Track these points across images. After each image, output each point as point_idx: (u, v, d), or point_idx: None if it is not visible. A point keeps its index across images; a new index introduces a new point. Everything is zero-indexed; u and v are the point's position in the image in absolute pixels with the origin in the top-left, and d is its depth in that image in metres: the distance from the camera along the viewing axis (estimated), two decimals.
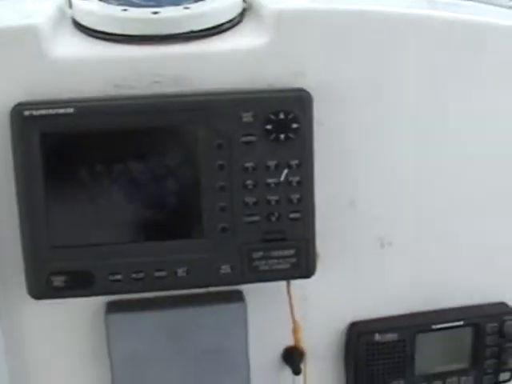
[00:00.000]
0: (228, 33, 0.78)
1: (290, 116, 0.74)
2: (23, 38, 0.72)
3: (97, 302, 0.80)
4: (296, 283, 0.81)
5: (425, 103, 0.81)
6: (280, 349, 0.86)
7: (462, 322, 0.86)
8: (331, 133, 0.78)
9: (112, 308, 0.79)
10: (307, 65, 0.77)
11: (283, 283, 0.81)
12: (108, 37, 0.76)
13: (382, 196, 0.83)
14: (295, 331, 0.84)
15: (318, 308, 0.84)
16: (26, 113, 0.71)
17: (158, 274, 0.75)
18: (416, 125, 0.81)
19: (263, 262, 0.77)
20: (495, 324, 0.87)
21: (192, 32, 0.76)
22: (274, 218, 0.76)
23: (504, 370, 0.89)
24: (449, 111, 0.81)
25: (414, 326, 0.85)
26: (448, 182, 0.84)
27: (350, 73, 0.78)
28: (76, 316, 0.81)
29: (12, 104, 0.72)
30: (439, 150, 0.83)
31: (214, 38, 0.77)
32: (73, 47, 0.75)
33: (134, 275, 0.75)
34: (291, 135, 0.75)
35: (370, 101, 0.79)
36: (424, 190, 0.83)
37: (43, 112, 0.71)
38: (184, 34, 0.76)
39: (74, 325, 0.81)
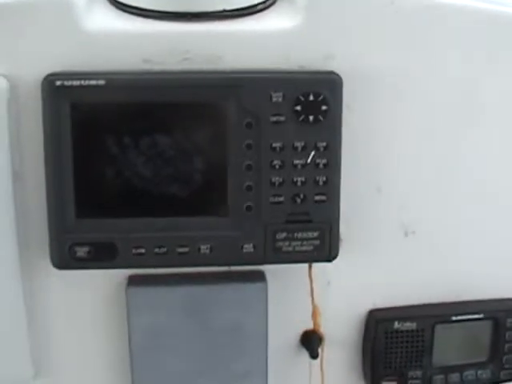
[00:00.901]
0: (261, 14, 0.78)
1: (320, 98, 0.74)
2: (58, 11, 0.73)
3: (119, 275, 0.81)
4: (319, 267, 0.81)
5: (455, 92, 0.80)
6: (299, 332, 0.86)
7: (481, 315, 0.86)
8: (360, 117, 0.78)
9: (133, 281, 0.80)
10: (338, 48, 0.76)
11: (306, 266, 0.82)
12: (141, 12, 0.76)
13: (408, 184, 0.82)
14: (315, 315, 0.84)
15: (339, 293, 0.84)
16: (58, 83, 0.72)
17: (180, 249, 0.76)
18: (445, 113, 0.81)
19: (286, 243, 0.77)
20: None
21: (225, 11, 0.76)
22: (299, 200, 0.76)
23: None
24: (479, 99, 0.81)
25: (433, 316, 0.85)
26: (475, 171, 0.84)
27: (381, 58, 0.78)
28: (98, 288, 0.81)
29: (44, 74, 0.72)
30: (468, 138, 0.82)
31: (247, 18, 0.77)
32: (106, 21, 0.75)
33: (156, 249, 0.75)
34: (320, 117, 0.75)
35: (399, 88, 0.79)
36: (450, 178, 0.83)
37: (74, 83, 0.72)
38: (217, 12, 0.76)
39: (95, 297, 0.82)
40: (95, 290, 0.81)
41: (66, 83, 0.72)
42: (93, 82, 0.72)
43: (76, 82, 0.72)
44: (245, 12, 0.77)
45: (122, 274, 0.81)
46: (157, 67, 0.75)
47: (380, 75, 0.78)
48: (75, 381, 0.85)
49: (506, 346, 0.87)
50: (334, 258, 0.78)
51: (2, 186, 0.75)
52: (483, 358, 0.88)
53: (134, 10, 0.76)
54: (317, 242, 0.77)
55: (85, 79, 0.72)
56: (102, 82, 0.72)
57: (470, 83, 0.80)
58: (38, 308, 0.81)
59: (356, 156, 0.79)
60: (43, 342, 0.82)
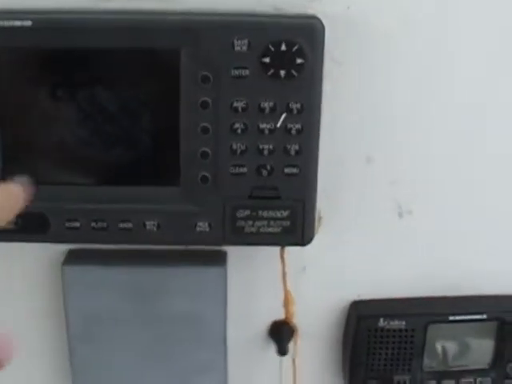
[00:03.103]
0: None
1: (295, 48, 0.60)
2: None
3: (56, 249, 0.69)
4: (293, 249, 0.68)
5: (461, 44, 0.66)
6: (267, 322, 0.74)
7: (484, 316, 0.72)
8: (347, 72, 0.64)
9: (71, 258, 0.68)
10: None
11: (277, 248, 0.69)
12: None
13: (404, 154, 0.68)
14: (286, 304, 0.72)
15: (316, 280, 0.72)
16: None
17: (122, 225, 0.64)
18: (448, 67, 0.67)
19: (249, 222, 0.64)
20: None
21: None
22: (265, 172, 0.63)
23: None
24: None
25: (426, 314, 0.71)
26: (482, 147, 0.69)
27: (379, 4, 0.63)
28: (31, 264, 0.70)
29: None
30: (472, 111, 0.68)
31: None
32: None
33: (94, 224, 0.63)
34: (294, 72, 0.60)
35: (396, 36, 0.64)
36: (454, 149, 0.68)
37: None
38: None
39: (28, 274, 0.71)
40: (27, 265, 0.70)
41: None
42: (17, 23, 0.59)
43: None
44: None
45: (59, 247, 0.69)
46: (97, 4, 0.62)
47: (374, 20, 0.63)
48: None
49: None
50: (308, 242, 0.65)
51: None
52: (484, 365, 0.74)
53: None
54: (286, 223, 0.64)
55: (8, 19, 0.59)
56: (28, 23, 0.59)
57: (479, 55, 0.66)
58: None
59: (341, 118, 0.65)
60: None
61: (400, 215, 0.70)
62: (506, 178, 0.70)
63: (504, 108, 0.68)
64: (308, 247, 0.66)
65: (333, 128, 0.65)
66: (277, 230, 0.65)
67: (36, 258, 0.70)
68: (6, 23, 0.59)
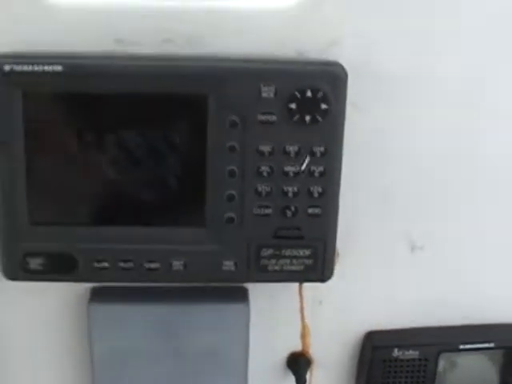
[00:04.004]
0: None
1: (319, 95, 0.62)
2: None
3: (81, 287, 0.71)
4: (311, 284, 0.70)
5: (472, 92, 0.69)
6: (285, 354, 0.76)
7: (492, 344, 0.75)
8: (366, 118, 0.67)
9: (96, 296, 0.69)
10: (345, 33, 0.65)
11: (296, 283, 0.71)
12: None
13: (418, 193, 0.71)
14: (304, 336, 0.74)
15: (332, 313, 0.74)
16: (7, 67, 0.60)
17: (149, 265, 0.65)
18: (460, 115, 0.69)
19: (273, 261, 0.66)
20: None
21: None
22: (289, 213, 0.65)
23: None
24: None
25: (438, 343, 0.74)
26: (491, 184, 0.72)
27: (396, 49, 0.66)
28: (57, 301, 0.71)
29: None
30: (482, 150, 0.71)
31: None
32: None
33: (121, 264, 0.65)
34: (318, 117, 0.63)
35: (412, 84, 0.67)
36: (465, 188, 0.72)
37: (26, 68, 0.60)
38: None
39: (53, 310, 0.72)
40: (53, 302, 0.71)
41: (17, 68, 0.60)
42: (48, 68, 0.60)
43: (28, 68, 0.60)
44: None
45: (85, 285, 0.70)
46: (130, 48, 0.63)
47: (392, 69, 0.66)
48: None
49: None
50: (328, 278, 0.68)
51: None
52: None
53: None
54: (309, 261, 0.67)
55: (39, 64, 0.60)
56: (58, 68, 0.60)
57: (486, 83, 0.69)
58: None
59: (360, 161, 0.68)
60: None
61: (412, 250, 0.73)
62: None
63: None
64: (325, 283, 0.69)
65: (351, 168, 0.67)
66: (299, 267, 0.67)
67: (61, 295, 0.71)
68: (37, 68, 0.61)
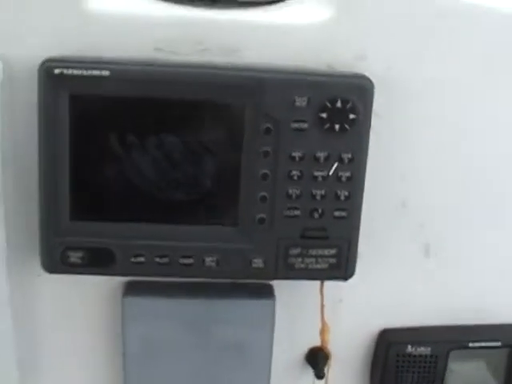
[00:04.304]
0: (287, 3, 0.70)
1: (349, 105, 0.67)
2: None
3: (115, 281, 0.74)
4: (331, 283, 0.74)
5: (488, 107, 0.74)
6: (305, 349, 0.80)
7: (499, 343, 0.80)
8: (388, 126, 0.71)
9: (130, 289, 0.73)
10: (371, 48, 0.69)
11: (317, 282, 0.75)
12: None
13: (434, 201, 0.76)
14: (323, 332, 0.78)
15: (351, 311, 0.79)
16: (56, 71, 0.64)
17: (184, 260, 0.69)
18: (474, 126, 0.74)
19: (300, 259, 0.71)
20: None
21: None
22: (316, 214, 0.69)
23: None
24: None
25: (449, 341, 0.79)
26: (507, 188, 0.77)
27: (416, 63, 0.71)
28: (91, 293, 0.75)
29: (41, 57, 0.64)
30: (498, 152, 0.76)
31: (271, 6, 0.69)
32: (112, 3, 0.67)
33: (157, 259, 0.69)
34: (347, 126, 0.67)
35: (430, 96, 0.72)
36: (478, 196, 0.77)
37: (75, 72, 0.64)
38: None
39: (87, 302, 0.76)
40: (88, 295, 0.75)
41: (66, 72, 0.64)
42: (96, 72, 0.64)
43: (77, 71, 0.64)
44: (269, 0, 0.69)
45: (118, 279, 0.74)
46: (168, 57, 0.67)
47: (415, 81, 0.71)
48: None
49: None
50: (350, 276, 0.72)
51: None
52: None
53: None
54: (333, 260, 0.71)
55: (87, 68, 0.64)
56: (106, 73, 0.64)
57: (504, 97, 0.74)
58: (26, 311, 0.75)
59: (380, 168, 0.72)
60: (30, 346, 0.76)
61: (426, 254, 0.78)
62: None
63: None
64: (345, 282, 0.73)
65: (372, 175, 0.71)
66: (324, 266, 0.71)
67: (95, 288, 0.75)
68: (85, 72, 0.65)
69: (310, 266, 0.71)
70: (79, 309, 0.76)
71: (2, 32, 0.66)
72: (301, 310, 0.78)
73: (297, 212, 0.69)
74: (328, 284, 0.75)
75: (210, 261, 0.70)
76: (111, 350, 0.77)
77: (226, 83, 0.66)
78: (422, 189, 0.75)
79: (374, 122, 0.69)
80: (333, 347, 0.79)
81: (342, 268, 0.72)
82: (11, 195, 0.70)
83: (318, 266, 0.71)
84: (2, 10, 0.66)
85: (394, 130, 0.72)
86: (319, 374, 0.78)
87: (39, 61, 0.65)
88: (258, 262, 0.70)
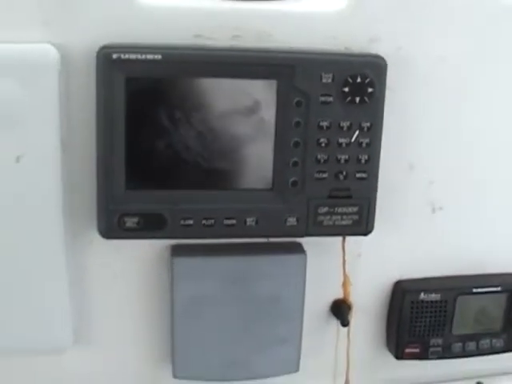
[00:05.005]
0: None
1: (367, 80, 0.77)
2: None
3: (161, 245, 0.83)
4: (351, 240, 0.85)
5: (491, 81, 0.85)
6: (329, 301, 0.90)
7: (499, 288, 0.92)
8: (398, 99, 0.82)
9: (177, 251, 0.82)
10: (382, 31, 0.80)
11: (339, 239, 0.86)
12: None
13: (439, 163, 0.87)
14: (345, 285, 0.88)
15: (369, 265, 0.89)
16: (114, 56, 0.73)
17: (227, 221, 0.79)
18: (478, 99, 0.85)
19: (328, 217, 0.81)
20: None
21: None
22: (341, 176, 0.79)
23: None
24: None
25: (456, 288, 0.90)
26: (504, 148, 0.89)
27: (424, 44, 0.82)
28: (140, 257, 0.83)
29: (96, 45, 0.73)
30: (499, 122, 0.87)
31: None
32: None
33: (204, 221, 0.78)
34: (366, 99, 0.78)
35: (440, 71, 0.83)
36: (477, 160, 0.88)
37: (131, 56, 0.73)
38: None
39: (136, 265, 0.84)
40: (137, 258, 0.84)
41: (123, 57, 0.73)
42: (150, 57, 0.73)
43: (133, 56, 0.73)
44: None
45: (164, 243, 0.83)
46: (207, 43, 0.77)
47: (421, 60, 0.82)
48: (113, 349, 0.87)
49: None
50: (370, 231, 0.82)
51: (50, 155, 0.75)
52: (497, 328, 0.94)
53: None
54: (356, 217, 0.81)
55: (141, 53, 0.73)
56: (158, 57, 0.73)
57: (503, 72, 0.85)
58: (81, 276, 0.83)
59: (391, 135, 0.82)
60: (84, 309, 0.84)
61: (433, 211, 0.88)
62: None
63: None
64: (363, 239, 0.83)
65: (385, 142, 0.81)
66: (348, 222, 0.81)
67: (143, 252, 0.83)
68: (140, 56, 0.73)
69: (336, 223, 0.81)
70: (128, 274, 0.84)
71: (59, 23, 0.74)
72: (325, 266, 0.87)
73: (324, 175, 0.79)
74: (348, 241, 0.86)
75: (250, 221, 0.79)
76: (159, 307, 0.85)
77: (262, 63, 0.76)
78: (428, 152, 0.86)
79: (388, 94, 0.80)
80: (354, 298, 0.89)
81: (363, 224, 0.82)
82: (69, 174, 0.78)
83: (343, 223, 0.81)
84: (59, 4, 0.74)
85: (405, 102, 0.83)
86: (343, 323, 0.88)
87: (93, 49, 0.73)
88: (291, 221, 0.80)
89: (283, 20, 0.78)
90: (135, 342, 0.87)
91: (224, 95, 0.77)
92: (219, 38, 0.77)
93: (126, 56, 0.73)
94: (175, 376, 0.86)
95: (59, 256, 0.79)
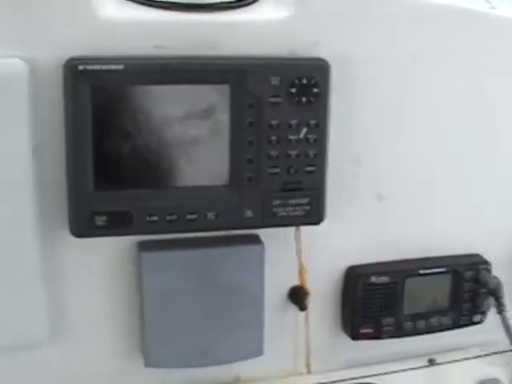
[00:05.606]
0: (255, 5, 0.87)
1: (312, 82, 0.85)
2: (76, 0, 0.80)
3: (129, 242, 0.89)
4: (304, 230, 0.93)
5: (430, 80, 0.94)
6: (287, 288, 0.97)
7: (444, 269, 1.00)
8: (344, 98, 0.90)
9: (144, 247, 0.89)
10: (324, 37, 0.88)
11: (293, 230, 0.93)
12: (151, 3, 0.84)
13: (383, 157, 0.95)
14: (301, 273, 0.95)
15: (322, 253, 0.96)
16: (80, 67, 0.79)
17: (189, 216, 0.85)
18: (418, 97, 0.94)
19: (281, 208, 0.88)
20: (472, 272, 1.01)
21: (223, 3, 0.86)
22: (293, 171, 0.87)
23: (477, 313, 1.03)
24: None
25: (403, 270, 0.98)
26: (436, 145, 0.97)
27: (361, 47, 0.90)
28: (109, 254, 0.89)
29: (62, 58, 0.79)
30: (438, 116, 0.96)
31: (243, 9, 0.86)
32: (120, 10, 0.83)
33: (168, 217, 0.85)
34: (312, 98, 0.85)
35: (375, 70, 0.91)
36: (417, 151, 0.96)
37: (96, 67, 0.80)
38: (217, 4, 0.85)
39: (106, 261, 0.90)
40: (108, 255, 0.90)
41: (88, 67, 0.79)
42: (113, 67, 0.80)
43: (97, 67, 0.80)
44: (242, 3, 0.87)
45: (132, 240, 0.89)
46: (166, 52, 0.83)
47: (361, 61, 0.90)
48: (88, 342, 0.92)
49: (464, 295, 1.01)
50: (322, 220, 0.90)
51: (22, 160, 0.81)
52: (445, 307, 1.02)
53: (145, 1, 0.84)
54: (307, 208, 0.88)
55: (105, 64, 0.80)
56: (121, 67, 0.80)
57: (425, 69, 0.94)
58: (55, 273, 0.88)
59: (338, 131, 0.90)
60: (59, 305, 0.89)
61: (379, 200, 0.96)
62: (459, 165, 0.99)
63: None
64: (316, 228, 0.90)
65: (332, 137, 0.89)
66: (301, 213, 0.88)
67: (111, 249, 0.89)
68: (104, 67, 0.80)
69: (290, 214, 0.88)
70: (99, 266, 0.90)
71: (26, 39, 0.80)
72: (281, 256, 0.94)
73: (277, 170, 0.86)
74: (302, 230, 0.93)
75: (210, 215, 0.86)
76: (129, 300, 0.91)
77: (215, 70, 0.83)
78: (373, 146, 0.94)
79: (333, 94, 0.87)
80: (310, 284, 0.96)
81: (315, 214, 0.89)
82: (42, 178, 0.84)
83: (296, 214, 0.88)
84: (27, 22, 0.80)
85: (348, 100, 0.91)
86: (301, 308, 0.95)
87: (60, 61, 0.79)
88: (248, 214, 0.87)
89: (235, 29, 0.85)
90: (108, 335, 0.93)
91: (182, 100, 0.83)
92: (177, 48, 0.84)
93: (91, 67, 0.79)
94: (147, 365, 0.92)
95: (34, 254, 0.85)
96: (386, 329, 0.98)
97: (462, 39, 0.94)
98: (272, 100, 0.84)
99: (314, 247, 0.95)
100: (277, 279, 0.95)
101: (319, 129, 0.86)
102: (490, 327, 1.03)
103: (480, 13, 0.97)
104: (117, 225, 0.84)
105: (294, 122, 0.85)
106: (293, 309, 0.97)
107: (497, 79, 0.98)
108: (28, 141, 0.81)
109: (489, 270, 1.02)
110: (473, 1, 1.02)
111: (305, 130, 0.86)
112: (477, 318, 1.03)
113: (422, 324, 1.00)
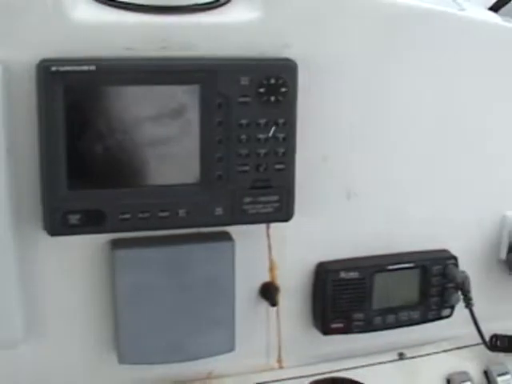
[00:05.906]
0: (225, 7, 0.90)
1: (280, 81, 0.87)
2: (48, 3, 0.81)
3: (102, 240, 0.91)
4: (275, 227, 0.95)
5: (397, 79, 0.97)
6: (258, 284, 0.99)
7: (412, 264, 1.02)
8: (311, 97, 0.92)
9: (117, 245, 0.90)
10: (293, 37, 0.90)
11: (264, 226, 0.95)
12: (122, 5, 0.86)
13: (351, 154, 0.97)
14: (272, 269, 0.97)
15: (293, 249, 0.98)
16: (53, 68, 0.81)
17: (161, 214, 0.87)
18: (387, 96, 0.97)
19: (251, 206, 0.90)
20: (439, 267, 1.03)
21: (195, 5, 0.88)
22: (262, 169, 0.89)
23: (446, 307, 1.06)
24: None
25: (372, 266, 1.00)
26: (404, 143, 1.00)
27: (330, 48, 0.92)
28: (83, 252, 0.91)
29: (35, 59, 0.81)
30: (405, 114, 0.98)
31: (214, 11, 0.89)
32: (91, 13, 0.85)
33: (140, 215, 0.86)
34: (280, 98, 0.87)
35: (342, 69, 0.93)
36: (385, 149, 0.99)
37: (68, 68, 0.81)
38: (188, 6, 0.87)
39: (80, 260, 0.91)
40: (81, 253, 0.91)
41: (61, 68, 0.81)
42: (85, 68, 0.82)
43: (69, 68, 0.81)
44: (212, 5, 0.89)
45: (105, 238, 0.91)
46: (137, 54, 0.85)
47: (328, 61, 0.92)
48: (63, 340, 0.94)
49: (433, 290, 1.04)
50: (291, 217, 0.92)
51: None
52: (414, 301, 1.04)
53: (116, 4, 0.86)
54: (277, 205, 0.90)
55: (78, 65, 0.81)
56: (93, 68, 0.82)
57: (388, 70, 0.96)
58: (29, 272, 0.89)
59: (306, 130, 0.92)
60: (34, 303, 0.90)
61: (348, 197, 0.99)
62: (427, 163, 1.02)
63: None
64: (286, 225, 0.93)
65: (300, 136, 0.91)
66: (270, 210, 0.91)
67: (84, 247, 0.91)
68: (76, 68, 0.81)
69: (259, 211, 0.90)
70: (73, 265, 0.91)
71: (0, 41, 0.81)
72: (252, 252, 0.96)
73: (246, 168, 0.88)
74: (272, 228, 0.95)
75: (181, 212, 0.87)
76: (103, 297, 0.92)
77: (186, 70, 0.85)
78: (341, 144, 0.96)
79: (301, 94, 0.89)
80: (281, 280, 0.98)
81: (284, 210, 0.91)
82: (15, 178, 0.85)
83: (266, 211, 0.90)
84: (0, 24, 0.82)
85: (315, 99, 0.93)
86: (272, 303, 0.97)
87: (33, 62, 0.81)
88: (218, 211, 0.89)
89: (205, 30, 0.87)
90: (82, 333, 0.94)
91: (153, 100, 0.85)
92: (148, 49, 0.85)
93: (64, 68, 0.81)
94: (120, 362, 0.94)
95: (7, 254, 0.86)
96: (356, 324, 1.00)
97: (430, 40, 0.97)
98: (241, 100, 0.86)
99: (284, 244, 0.97)
100: (248, 275, 0.97)
101: (287, 127, 0.88)
102: (458, 321, 1.06)
103: (448, 14, 0.99)
104: (90, 223, 0.86)
105: (262, 120, 0.87)
106: (264, 305, 0.98)
107: (466, 80, 1.01)
108: (2, 141, 0.82)
109: (456, 265, 1.05)
110: (442, 2, 1.05)
111: (273, 128, 0.88)
112: (445, 312, 1.05)
113: (391, 319, 1.02)
